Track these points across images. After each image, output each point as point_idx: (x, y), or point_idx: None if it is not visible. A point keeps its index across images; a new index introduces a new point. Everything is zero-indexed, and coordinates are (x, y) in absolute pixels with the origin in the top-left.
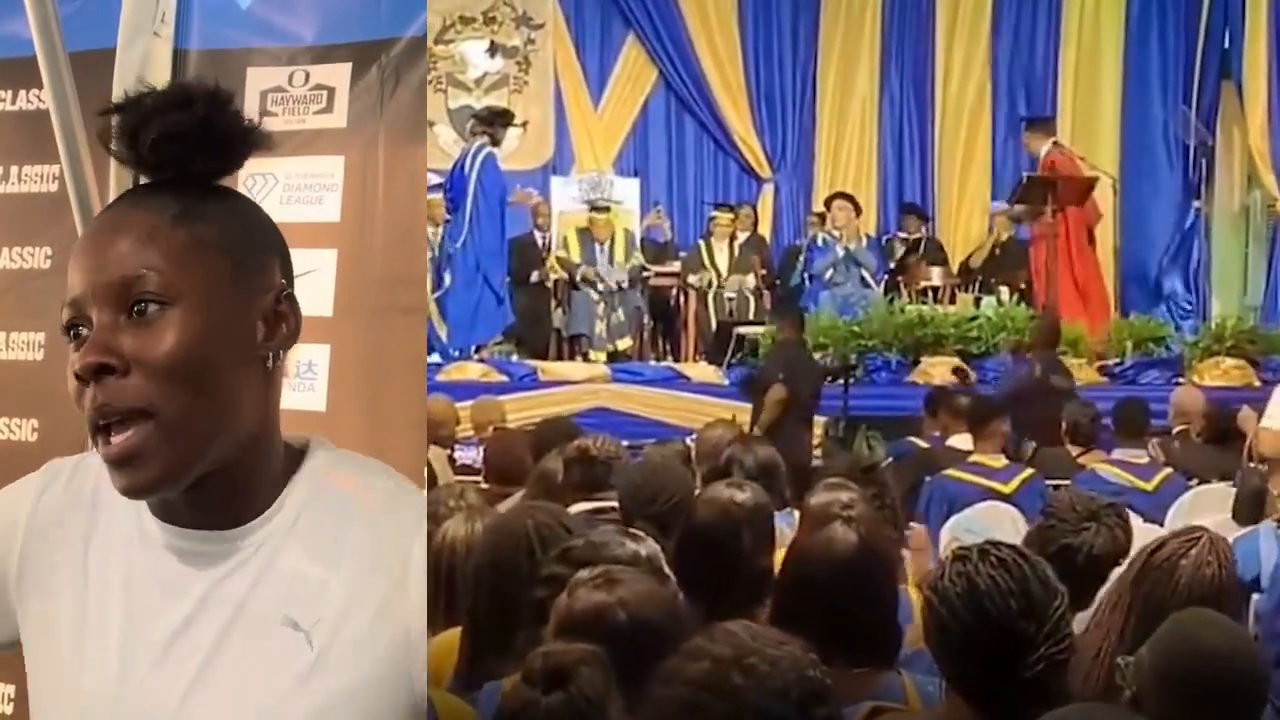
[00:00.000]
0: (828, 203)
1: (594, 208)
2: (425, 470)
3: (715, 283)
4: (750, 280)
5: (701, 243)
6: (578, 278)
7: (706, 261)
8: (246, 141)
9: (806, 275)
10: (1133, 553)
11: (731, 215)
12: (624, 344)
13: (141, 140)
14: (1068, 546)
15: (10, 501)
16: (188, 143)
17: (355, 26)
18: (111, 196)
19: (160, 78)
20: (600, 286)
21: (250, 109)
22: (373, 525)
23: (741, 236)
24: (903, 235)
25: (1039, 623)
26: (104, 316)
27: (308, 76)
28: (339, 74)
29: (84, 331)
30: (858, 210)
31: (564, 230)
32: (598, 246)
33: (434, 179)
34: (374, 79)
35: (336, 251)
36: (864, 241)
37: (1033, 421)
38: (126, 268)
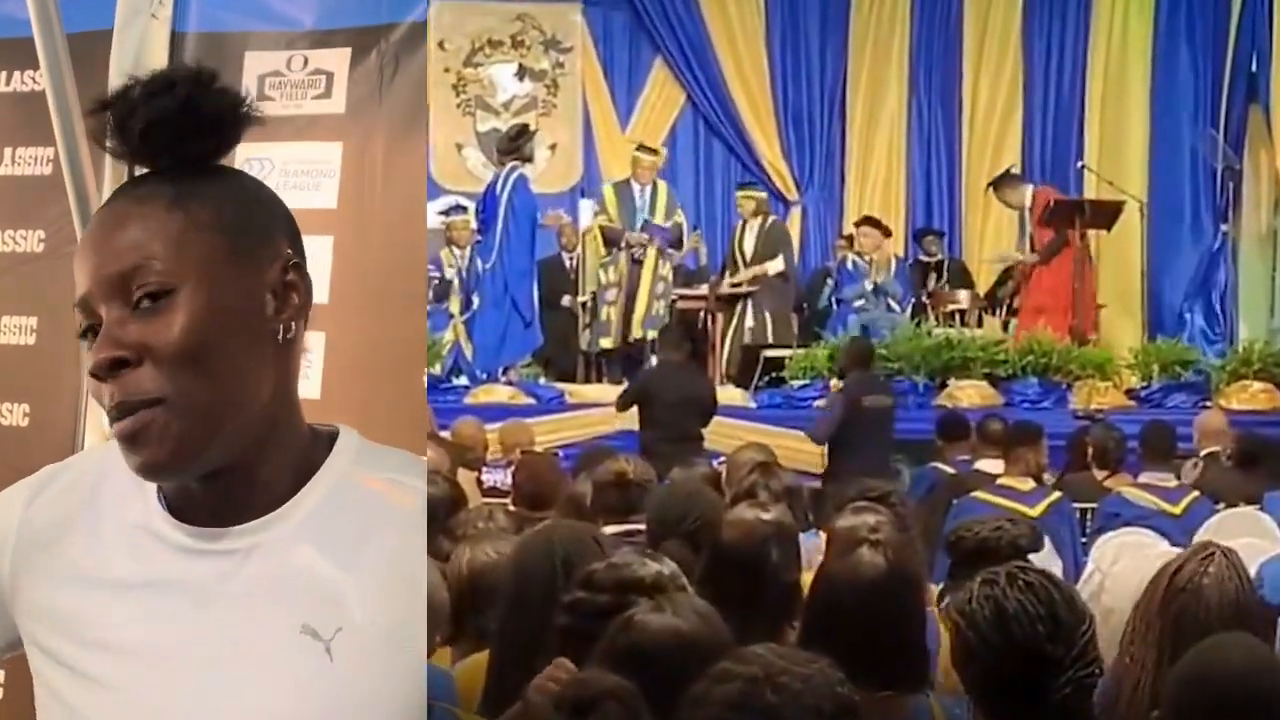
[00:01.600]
0: (857, 225)
1: (640, 148)
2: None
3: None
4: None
5: (737, 227)
6: (623, 243)
7: (736, 247)
8: (236, 120)
9: (834, 299)
10: (1146, 580)
11: (750, 193)
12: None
13: (130, 131)
14: (986, 539)
15: None
16: (174, 127)
17: (354, 11)
18: (107, 179)
19: (157, 60)
20: (636, 252)
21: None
22: (400, 531)
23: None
24: (924, 258)
25: (1067, 646)
26: (111, 311)
27: (306, 61)
28: (338, 59)
29: (92, 330)
30: (886, 233)
31: (601, 189)
32: (637, 191)
33: (463, 200)
34: (373, 65)
35: (333, 239)
36: (892, 269)
37: (861, 447)
38: (126, 260)
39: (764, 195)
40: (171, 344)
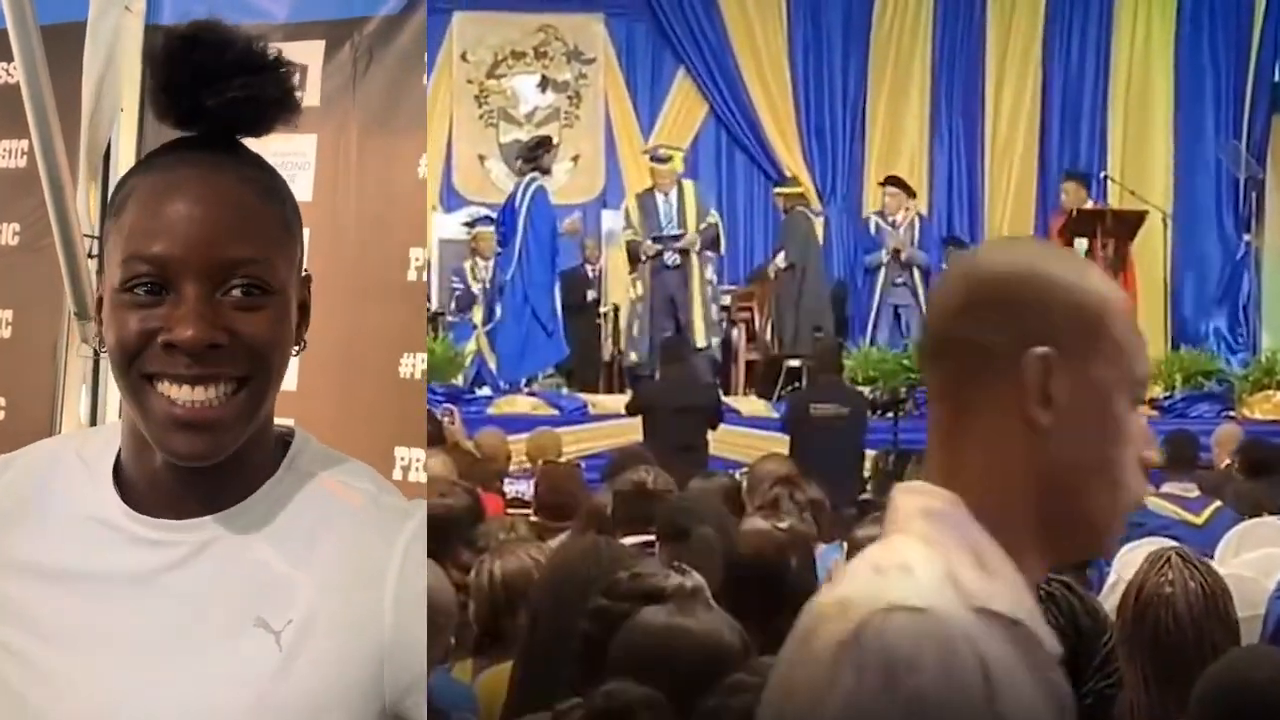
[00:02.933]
0: (882, 184)
1: (654, 158)
2: (396, 450)
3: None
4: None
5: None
6: (642, 254)
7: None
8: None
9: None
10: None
11: (779, 189)
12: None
13: (216, 91)
14: None
15: None
16: (264, 110)
17: (328, 4)
18: (81, 172)
19: (131, 53)
20: (669, 257)
21: None
22: (352, 529)
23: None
24: (945, 267)
25: (1088, 656)
26: (199, 289)
27: (280, 54)
28: (311, 52)
29: (150, 287)
30: (911, 194)
31: (625, 201)
32: (660, 199)
33: (486, 212)
34: (346, 58)
35: (308, 231)
36: (916, 235)
37: (816, 455)
38: (232, 249)
39: (792, 190)
40: (265, 342)
